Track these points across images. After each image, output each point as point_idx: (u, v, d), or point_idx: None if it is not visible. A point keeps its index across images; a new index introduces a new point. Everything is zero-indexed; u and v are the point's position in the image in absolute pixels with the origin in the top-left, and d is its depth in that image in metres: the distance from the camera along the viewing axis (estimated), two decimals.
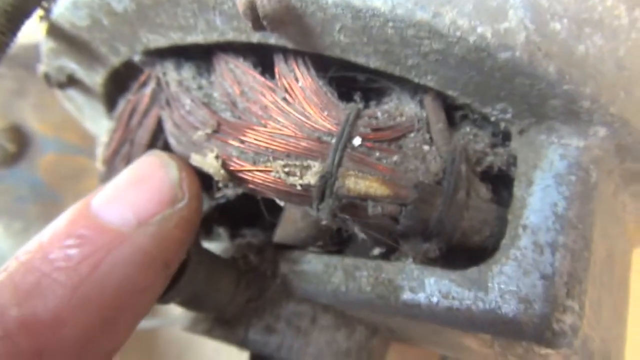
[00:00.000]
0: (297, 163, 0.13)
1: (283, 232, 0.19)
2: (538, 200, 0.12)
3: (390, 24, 0.11)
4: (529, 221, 0.12)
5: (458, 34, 0.11)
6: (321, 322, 0.17)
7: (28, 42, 0.27)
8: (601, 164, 0.13)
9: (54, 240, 0.13)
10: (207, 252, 0.15)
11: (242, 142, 0.14)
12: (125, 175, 0.14)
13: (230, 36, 0.14)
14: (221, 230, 0.19)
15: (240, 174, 0.14)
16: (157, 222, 0.13)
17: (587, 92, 0.12)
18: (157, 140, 0.18)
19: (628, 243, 0.16)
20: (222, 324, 0.16)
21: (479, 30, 0.11)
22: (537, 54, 0.11)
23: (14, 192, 0.29)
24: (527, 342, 0.12)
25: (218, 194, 0.20)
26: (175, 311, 0.35)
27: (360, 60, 0.13)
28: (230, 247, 0.18)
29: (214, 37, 0.14)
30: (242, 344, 0.16)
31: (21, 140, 0.30)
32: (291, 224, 0.20)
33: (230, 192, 0.20)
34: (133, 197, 0.14)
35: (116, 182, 0.14)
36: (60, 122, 0.31)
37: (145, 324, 0.30)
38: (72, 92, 0.20)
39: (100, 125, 0.23)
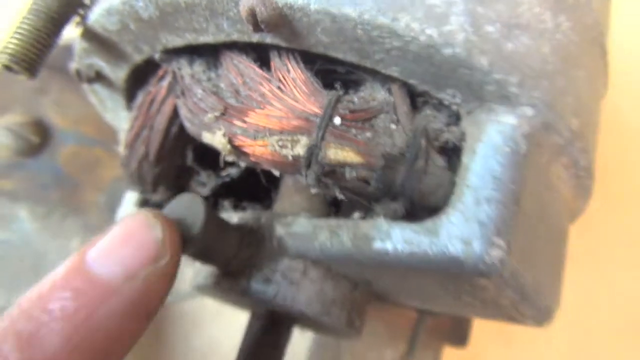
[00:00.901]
0: (289, 138, 0.17)
1: (280, 205, 0.23)
2: (479, 167, 0.16)
3: (360, 26, 0.14)
4: (471, 182, 0.15)
5: (412, 34, 0.14)
6: (311, 275, 0.20)
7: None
8: (530, 137, 0.16)
9: (53, 291, 0.15)
10: (216, 214, 0.18)
11: (245, 122, 0.17)
12: (117, 231, 0.16)
13: (235, 37, 0.17)
14: (225, 203, 0.22)
15: (243, 148, 0.18)
16: (143, 278, 0.15)
17: (513, 80, 0.15)
18: (173, 125, 0.22)
19: (565, 207, 0.19)
20: (228, 277, 0.20)
21: (428, 31, 0.14)
22: (474, 50, 0.15)
23: (38, 179, 0.33)
24: (469, 277, 0.15)
25: (224, 172, 0.23)
26: (182, 287, 0.38)
27: (339, 55, 0.16)
28: (233, 216, 0.21)
29: (221, 38, 0.18)
30: (244, 292, 0.19)
31: (43, 133, 0.33)
32: (287, 198, 0.23)
33: (234, 171, 0.23)
34: (122, 253, 0.16)
35: (108, 237, 0.16)
36: (79, 117, 0.34)
37: None
38: (98, 87, 0.23)
39: (119, 117, 0.26)
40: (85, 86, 0.23)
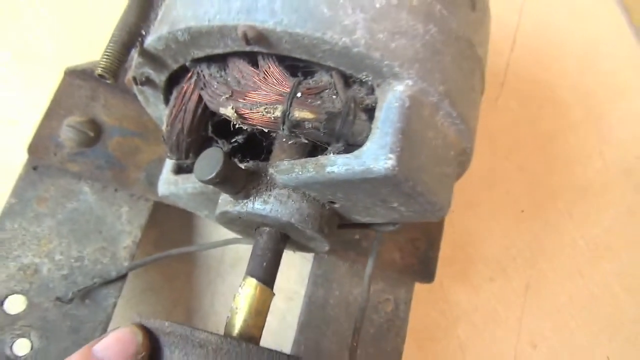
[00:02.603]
0: (271, 107, 0.27)
1: (273, 158, 0.33)
2: (383, 116, 0.26)
3: (305, 39, 0.25)
4: (380, 124, 0.26)
5: (334, 42, 0.25)
6: (293, 198, 0.30)
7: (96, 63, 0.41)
8: (412, 98, 0.26)
9: None
10: (230, 158, 0.29)
11: (245, 99, 0.28)
12: (114, 334, 0.26)
13: (235, 48, 0.28)
14: (236, 160, 0.33)
15: (245, 116, 0.28)
16: None
17: (396, 64, 0.26)
18: (199, 108, 0.32)
19: (450, 143, 0.29)
20: (238, 202, 0.30)
21: (343, 39, 0.25)
22: (371, 49, 0.25)
23: (95, 163, 0.43)
24: (380, 181, 0.26)
25: (233, 138, 0.33)
26: (206, 240, 0.48)
27: (297, 55, 0.27)
28: (242, 166, 0.32)
29: (227, 50, 0.28)
30: (249, 212, 0.30)
31: (97, 128, 0.44)
32: (277, 153, 0.33)
33: (240, 137, 0.33)
34: (116, 348, 0.25)
35: (109, 337, 0.26)
36: (121, 116, 0.45)
37: (184, 249, 0.44)
38: (146, 88, 0.34)
39: (158, 109, 0.37)
40: (136, 88, 0.34)
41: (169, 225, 0.46)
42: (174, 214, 0.44)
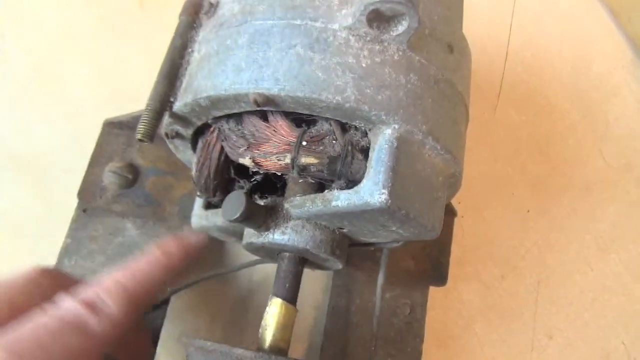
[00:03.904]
0: (282, 155, 0.32)
1: (287, 193, 0.38)
2: (375, 157, 0.31)
3: (305, 99, 0.30)
4: (373, 164, 0.31)
5: (328, 100, 0.30)
6: (307, 227, 0.35)
7: (131, 114, 0.48)
8: (399, 138, 0.31)
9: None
10: (252, 200, 0.34)
11: (259, 150, 0.33)
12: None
13: (249, 109, 0.33)
14: (256, 196, 0.38)
15: (260, 164, 0.33)
16: None
17: (383, 113, 0.30)
18: (221, 156, 0.38)
19: (439, 170, 0.34)
20: (261, 235, 0.35)
21: (336, 97, 0.30)
22: (360, 103, 0.30)
23: (135, 201, 0.49)
24: (376, 212, 0.30)
25: (252, 178, 0.39)
26: (240, 259, 0.53)
27: (300, 111, 0.32)
28: (261, 202, 0.37)
29: (242, 109, 0.33)
30: (270, 242, 0.35)
31: (134, 171, 0.50)
32: (290, 189, 0.39)
33: (259, 177, 0.39)
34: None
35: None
36: (154, 158, 0.50)
37: (218, 272, 0.49)
38: (176, 140, 0.40)
39: (186, 155, 0.42)
40: (168, 141, 0.40)
41: (203, 250, 0.51)
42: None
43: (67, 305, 0.26)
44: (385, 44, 0.31)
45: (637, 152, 0.64)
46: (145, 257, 0.34)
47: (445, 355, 0.59)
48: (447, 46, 0.34)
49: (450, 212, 0.55)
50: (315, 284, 0.53)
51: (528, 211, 0.62)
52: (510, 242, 0.62)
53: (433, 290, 0.56)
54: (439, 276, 0.55)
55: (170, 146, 0.40)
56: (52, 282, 0.30)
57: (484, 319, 0.60)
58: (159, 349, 0.44)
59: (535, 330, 0.62)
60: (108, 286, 0.28)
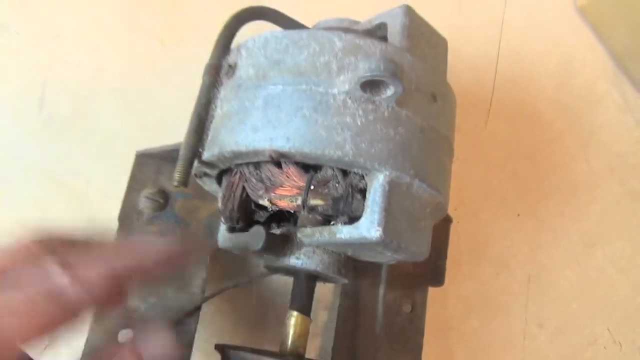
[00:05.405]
0: (294, 197, 0.39)
1: (299, 223, 0.45)
2: (372, 199, 0.37)
3: (311, 154, 0.36)
4: (370, 204, 0.37)
5: (330, 155, 0.36)
6: (317, 252, 0.42)
7: (160, 147, 0.55)
8: (390, 182, 0.37)
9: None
10: (270, 232, 0.41)
11: (275, 193, 0.40)
12: None
13: (263, 159, 0.40)
14: (273, 224, 0.45)
15: (276, 204, 0.40)
16: None
17: (375, 163, 0.37)
18: (243, 194, 0.44)
19: (426, 203, 0.40)
20: (279, 259, 0.42)
21: (336, 153, 0.36)
22: (356, 156, 0.36)
23: (167, 223, 0.56)
24: (373, 244, 0.37)
25: (270, 209, 0.46)
26: (256, 272, 0.61)
27: (307, 161, 0.38)
28: (277, 230, 0.44)
29: (259, 160, 0.40)
30: (287, 265, 0.42)
31: (165, 196, 0.56)
32: (302, 220, 0.45)
33: (275, 209, 0.46)
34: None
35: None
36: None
37: (242, 281, 0.58)
38: (204, 178, 0.47)
39: (212, 187, 0.49)
40: (197, 179, 0.47)
41: (228, 263, 0.58)
42: (231, 254, 0.57)
43: (50, 271, 0.25)
44: (377, 103, 0.37)
45: (619, 157, 0.69)
46: (146, 245, 0.34)
47: (445, 344, 0.66)
48: (430, 96, 0.40)
49: (445, 220, 0.62)
50: (326, 289, 0.61)
51: (518, 215, 0.68)
52: (502, 243, 0.68)
53: (433, 288, 0.62)
54: (437, 277, 0.62)
55: (199, 182, 0.47)
56: (42, 245, 0.28)
57: (480, 312, 0.67)
58: (194, 350, 0.51)
59: (527, 321, 0.69)
60: (94, 259, 0.28)
